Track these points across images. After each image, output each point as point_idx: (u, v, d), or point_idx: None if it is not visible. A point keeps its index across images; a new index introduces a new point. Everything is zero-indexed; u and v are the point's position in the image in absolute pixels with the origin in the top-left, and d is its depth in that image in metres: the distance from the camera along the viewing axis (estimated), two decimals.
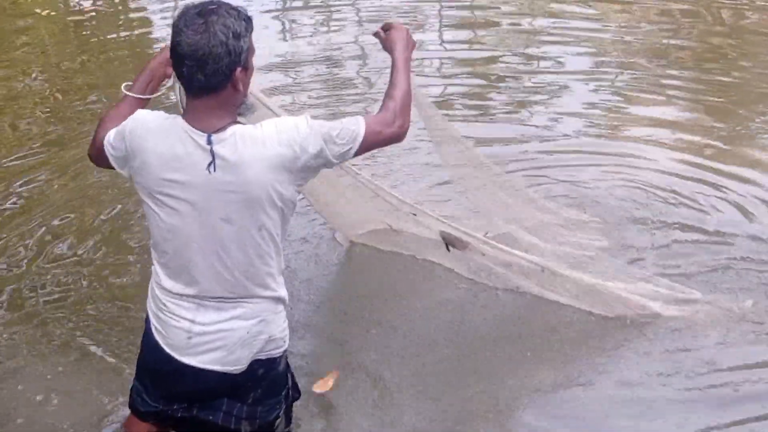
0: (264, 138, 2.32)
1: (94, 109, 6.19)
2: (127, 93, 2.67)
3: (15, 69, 7.07)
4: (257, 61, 2.47)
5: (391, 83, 2.66)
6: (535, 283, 3.91)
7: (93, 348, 3.72)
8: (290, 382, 2.68)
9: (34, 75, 6.97)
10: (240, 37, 2.27)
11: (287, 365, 2.65)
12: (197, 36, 2.22)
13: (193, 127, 2.31)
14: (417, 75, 6.90)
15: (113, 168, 2.54)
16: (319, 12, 8.64)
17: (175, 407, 2.56)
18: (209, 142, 2.29)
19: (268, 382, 2.57)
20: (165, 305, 2.48)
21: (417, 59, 7.25)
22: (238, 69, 2.29)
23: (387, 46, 2.83)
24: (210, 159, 2.29)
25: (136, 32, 8.15)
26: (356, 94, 6.49)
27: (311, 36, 7.94)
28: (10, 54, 7.43)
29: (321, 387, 3.36)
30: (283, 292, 2.53)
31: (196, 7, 2.28)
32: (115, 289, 4.10)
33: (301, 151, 2.34)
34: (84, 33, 8.11)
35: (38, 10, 8.59)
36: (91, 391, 3.47)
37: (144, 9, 8.75)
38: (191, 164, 2.31)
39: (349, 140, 2.45)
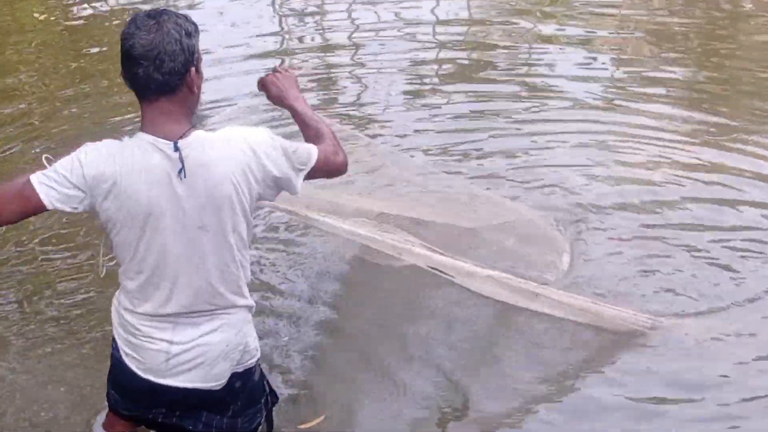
0: (229, 140, 2.35)
1: (84, 91, 6.30)
2: (48, 166, 2.46)
3: (8, 68, 7.14)
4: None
5: (309, 129, 2.61)
6: (525, 298, 3.84)
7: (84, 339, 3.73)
8: (268, 389, 2.69)
9: (26, 72, 7.01)
10: (191, 36, 2.30)
11: (262, 373, 2.66)
12: (151, 35, 2.23)
13: (157, 136, 2.29)
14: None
15: (24, 215, 2.38)
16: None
17: (154, 412, 2.54)
18: (176, 149, 2.27)
19: (246, 394, 2.57)
20: (138, 329, 2.44)
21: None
22: (193, 69, 2.30)
23: (276, 95, 2.70)
24: (179, 166, 2.27)
25: None
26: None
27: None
28: (3, 56, 7.49)
29: (305, 424, 3.36)
30: (252, 301, 2.54)
31: (145, 13, 2.31)
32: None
33: (265, 156, 2.36)
34: (78, 35, 8.13)
35: (36, 15, 8.61)
36: (83, 381, 3.48)
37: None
38: (162, 175, 2.29)
39: (305, 158, 2.47)
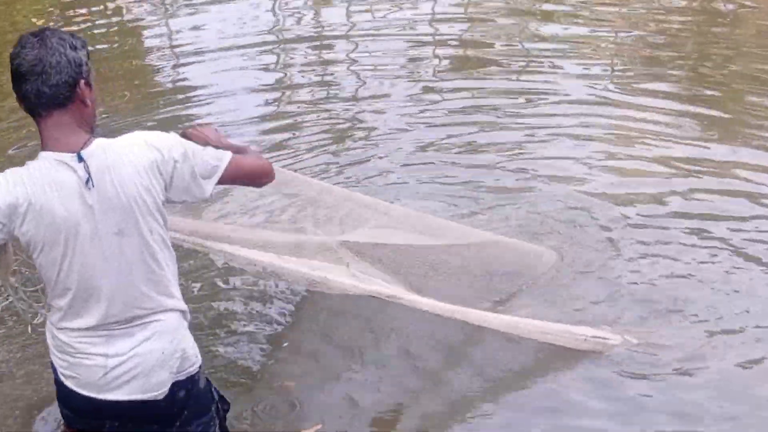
0: (131, 143, 2.36)
1: None
2: None
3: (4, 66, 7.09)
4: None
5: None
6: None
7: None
8: (216, 396, 2.66)
9: None
10: (77, 50, 2.31)
11: (207, 381, 2.62)
12: (35, 51, 2.26)
13: (59, 151, 2.29)
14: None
15: None
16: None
17: (108, 425, 2.52)
18: (81, 159, 2.28)
19: (193, 402, 2.54)
20: (73, 347, 2.41)
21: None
22: (82, 81, 2.30)
23: (203, 142, 2.70)
24: (86, 176, 2.27)
25: (128, 41, 8.15)
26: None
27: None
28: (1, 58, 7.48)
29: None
30: (185, 306, 2.52)
31: (29, 32, 2.33)
32: None
33: (168, 154, 2.37)
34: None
35: (34, 20, 8.67)
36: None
37: (140, 20, 8.81)
38: (72, 188, 2.28)
39: (215, 158, 2.47)
